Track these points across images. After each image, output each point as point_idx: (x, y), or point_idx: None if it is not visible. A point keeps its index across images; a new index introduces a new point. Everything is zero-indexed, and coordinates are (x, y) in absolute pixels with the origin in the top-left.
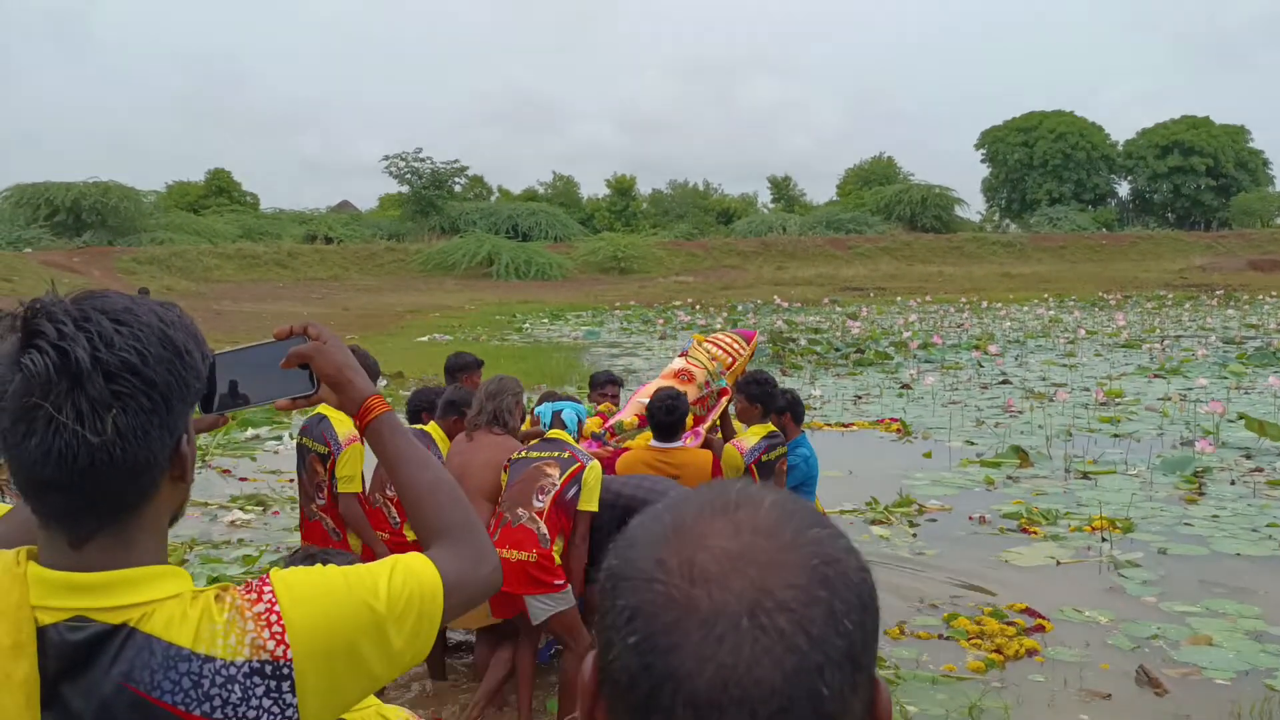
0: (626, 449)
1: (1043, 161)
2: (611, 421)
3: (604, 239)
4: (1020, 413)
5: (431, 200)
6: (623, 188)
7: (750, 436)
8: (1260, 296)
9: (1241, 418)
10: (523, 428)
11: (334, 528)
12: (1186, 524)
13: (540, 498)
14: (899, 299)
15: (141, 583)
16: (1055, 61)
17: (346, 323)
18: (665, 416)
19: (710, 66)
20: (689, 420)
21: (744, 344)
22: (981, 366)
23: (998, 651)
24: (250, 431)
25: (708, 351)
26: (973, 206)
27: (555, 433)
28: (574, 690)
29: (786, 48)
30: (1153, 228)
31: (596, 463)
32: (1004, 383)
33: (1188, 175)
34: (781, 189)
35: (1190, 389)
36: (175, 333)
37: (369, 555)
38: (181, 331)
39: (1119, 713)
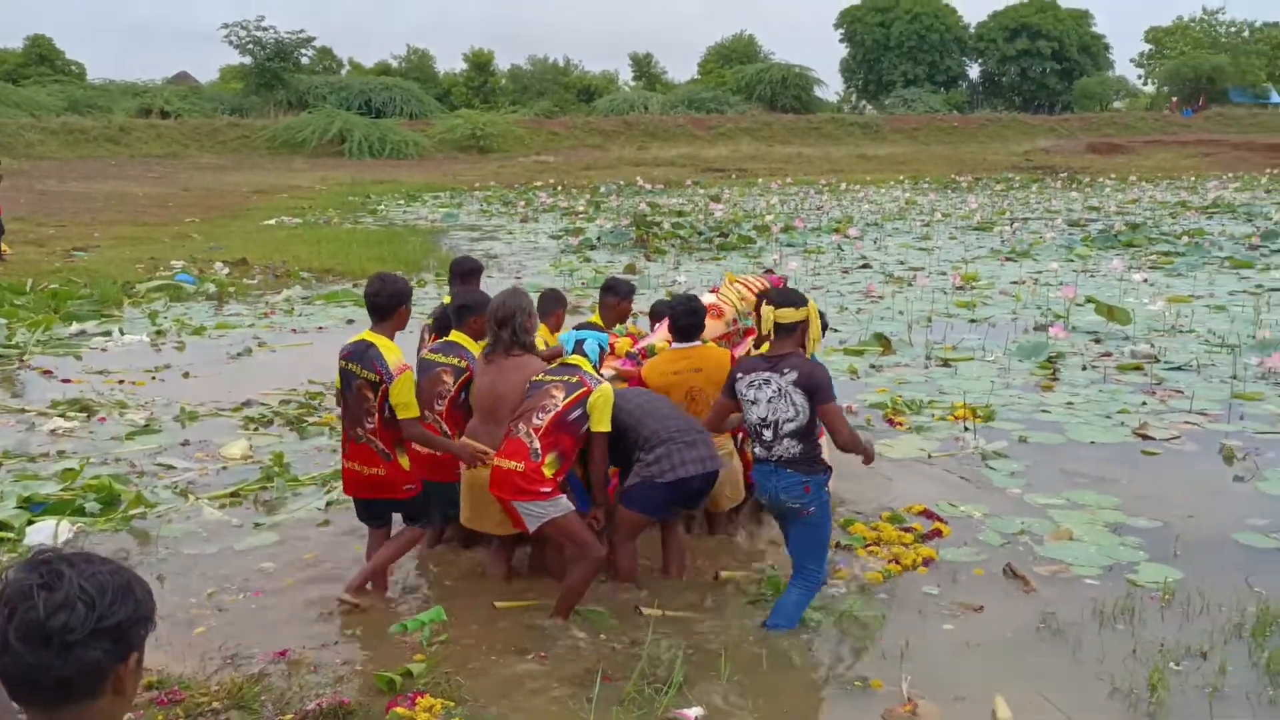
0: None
1: (899, 43)
2: (643, 344)
3: (462, 116)
4: (881, 298)
5: (277, 73)
6: (481, 63)
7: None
8: (1100, 179)
9: (1090, 302)
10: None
11: (384, 449)
12: (1044, 411)
13: (540, 415)
14: (760, 180)
15: None
16: None
17: (187, 204)
18: (688, 318)
19: None
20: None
21: (764, 288)
22: (842, 250)
23: (895, 561)
24: (75, 327)
25: (738, 291)
26: (831, 87)
27: (573, 358)
28: (577, 595)
29: None
30: (1000, 110)
31: (606, 386)
32: (864, 267)
33: (1034, 59)
34: (643, 67)
35: (1041, 272)
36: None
37: (423, 464)
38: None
39: (986, 622)
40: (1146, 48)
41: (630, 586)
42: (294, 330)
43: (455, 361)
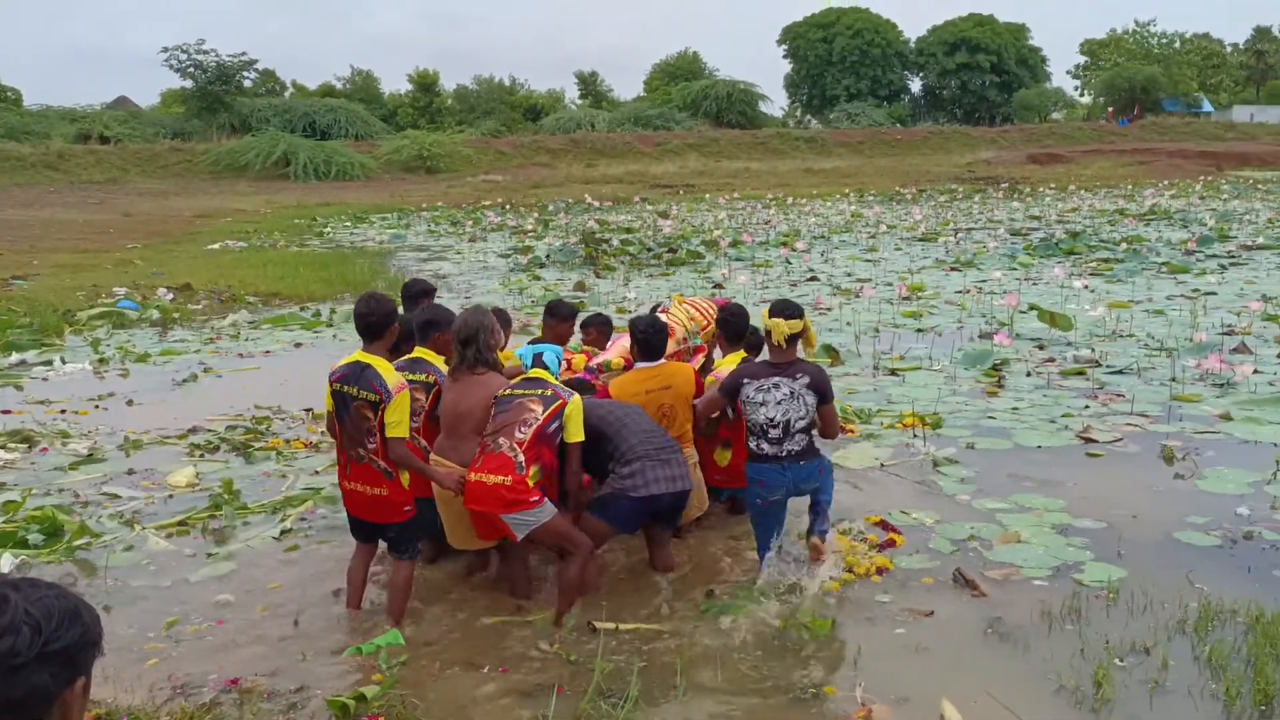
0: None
1: (841, 58)
2: (597, 360)
3: (408, 137)
4: (829, 309)
5: (219, 96)
6: (426, 83)
7: (727, 365)
8: (1040, 189)
9: (1033, 309)
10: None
11: (386, 468)
12: (990, 417)
13: (523, 429)
14: (708, 196)
15: None
16: None
17: (128, 230)
18: (654, 336)
19: None
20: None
21: (713, 311)
22: (790, 263)
23: (849, 570)
24: (15, 356)
25: (686, 312)
26: (776, 102)
27: (537, 372)
28: (575, 590)
29: None
30: (942, 123)
31: (577, 397)
32: (812, 279)
33: (974, 72)
34: (589, 85)
35: (985, 281)
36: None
37: (421, 482)
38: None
39: (936, 627)
40: (1082, 59)
41: (591, 597)
42: (240, 355)
43: (424, 378)
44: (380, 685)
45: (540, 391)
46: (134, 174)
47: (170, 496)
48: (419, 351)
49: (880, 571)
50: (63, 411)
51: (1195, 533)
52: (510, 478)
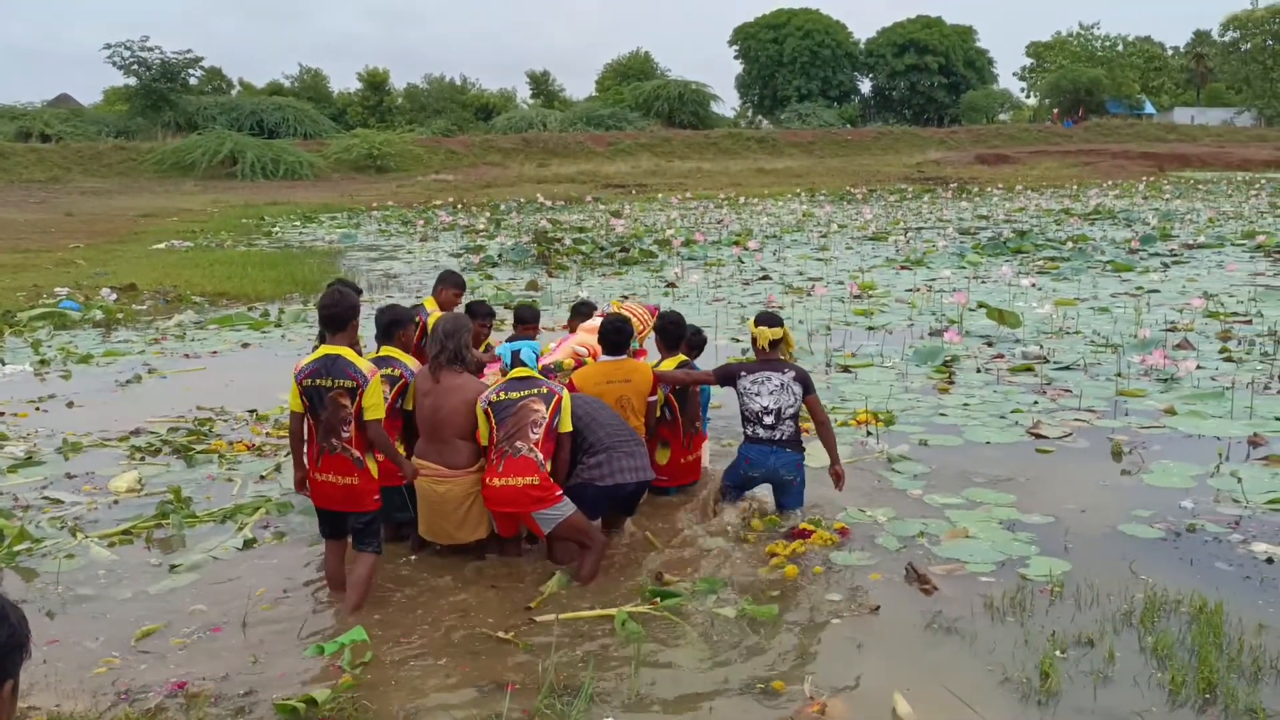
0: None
1: (792, 59)
2: (548, 360)
3: (358, 135)
4: (781, 308)
5: (163, 94)
6: (376, 82)
7: (668, 365)
8: (988, 189)
9: (982, 306)
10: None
11: (358, 456)
12: (942, 414)
13: (535, 430)
14: (660, 196)
15: None
16: None
17: (70, 230)
18: (617, 335)
19: None
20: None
21: (649, 316)
22: (742, 262)
23: (794, 560)
24: None
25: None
26: (728, 103)
27: (523, 371)
28: (592, 580)
29: None
30: (892, 124)
31: (565, 390)
32: (764, 278)
33: (922, 73)
34: (541, 84)
35: (935, 279)
36: None
37: (389, 468)
38: None
39: (883, 622)
40: (1028, 62)
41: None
42: (186, 355)
43: (390, 372)
44: (333, 690)
45: (537, 390)
46: (76, 173)
47: (115, 502)
48: (385, 349)
49: (827, 567)
50: (1, 414)
51: (1140, 526)
52: (537, 477)
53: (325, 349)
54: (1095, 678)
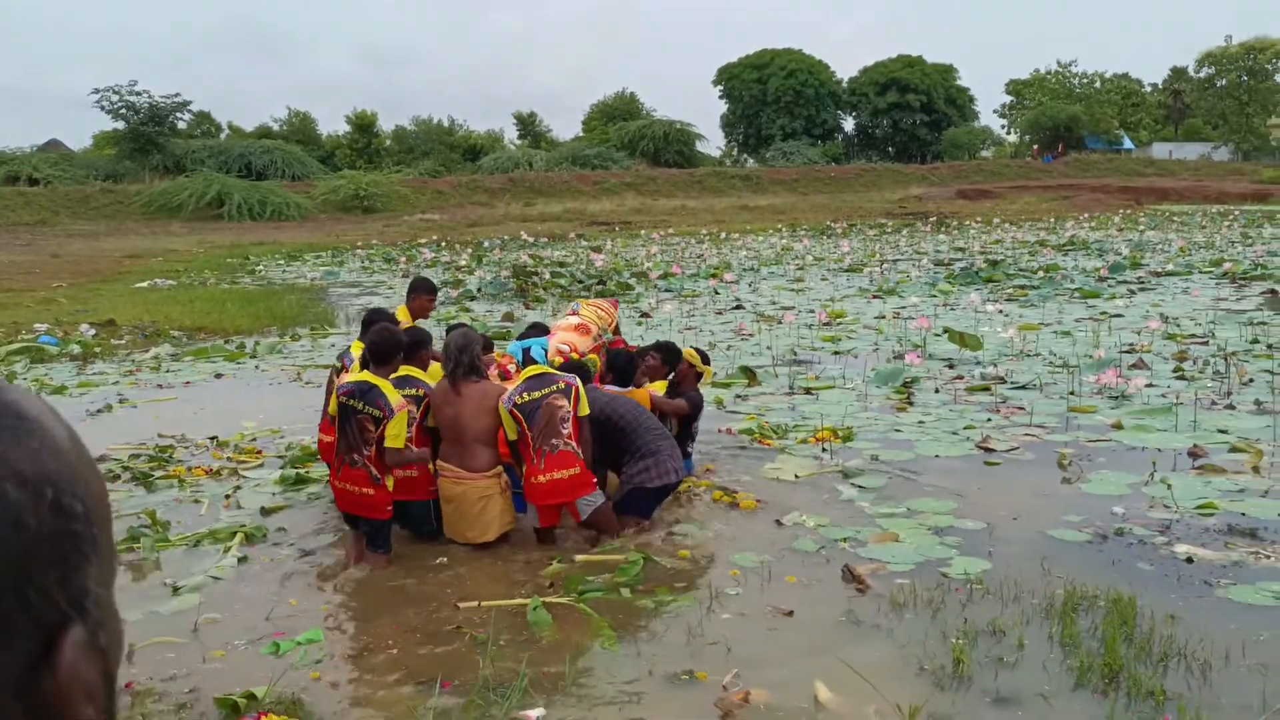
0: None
1: (776, 98)
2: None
3: (345, 177)
4: (751, 335)
5: (151, 138)
6: (364, 124)
7: (658, 388)
8: (967, 222)
9: (946, 331)
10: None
11: (376, 474)
12: (897, 430)
13: (565, 425)
14: (643, 232)
15: None
16: None
17: (55, 270)
18: (627, 366)
19: None
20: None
21: (612, 310)
22: (718, 293)
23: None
24: None
25: (594, 311)
26: (713, 142)
27: (537, 369)
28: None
29: None
30: (875, 161)
31: (577, 378)
32: (737, 308)
33: (905, 111)
34: (527, 125)
35: (904, 307)
36: None
37: (419, 481)
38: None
39: (804, 617)
40: (1008, 99)
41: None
42: (160, 385)
43: (415, 392)
44: (270, 686)
45: (556, 386)
46: (64, 216)
47: None
48: (404, 369)
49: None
50: None
51: (1069, 530)
52: (578, 467)
53: (366, 375)
54: (1004, 664)
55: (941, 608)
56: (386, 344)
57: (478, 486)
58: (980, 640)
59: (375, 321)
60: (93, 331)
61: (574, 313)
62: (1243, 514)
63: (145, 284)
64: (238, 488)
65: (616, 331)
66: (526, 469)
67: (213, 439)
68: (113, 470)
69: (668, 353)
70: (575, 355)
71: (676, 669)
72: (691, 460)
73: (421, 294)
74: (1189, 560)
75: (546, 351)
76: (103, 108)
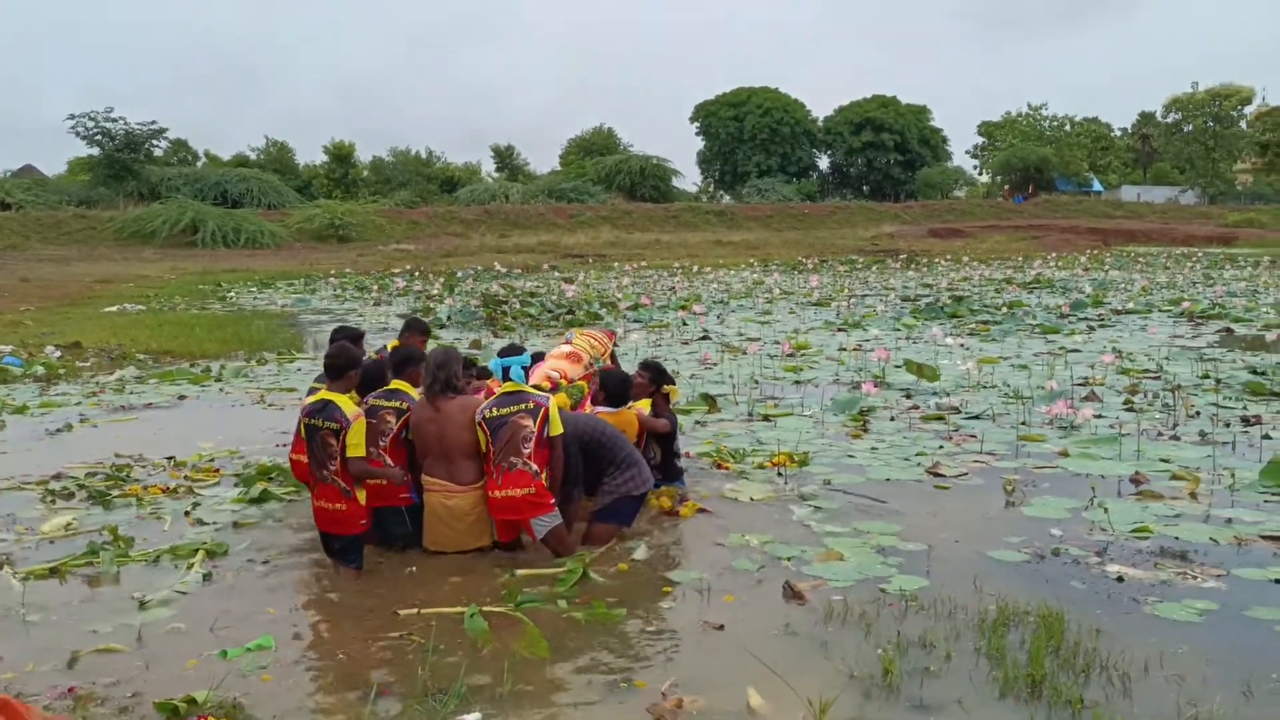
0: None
1: (752, 136)
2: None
3: (320, 206)
4: (715, 364)
5: (126, 164)
6: (341, 154)
7: (643, 406)
8: (937, 260)
9: (906, 363)
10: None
11: (345, 487)
12: (850, 456)
13: (527, 445)
14: (617, 265)
15: None
16: (763, 35)
17: (23, 294)
18: (620, 388)
19: (431, 31)
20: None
21: (607, 341)
22: (685, 324)
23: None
24: None
25: (587, 341)
26: (689, 177)
27: (511, 385)
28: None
29: (506, 14)
30: (849, 199)
31: (552, 397)
32: (704, 338)
33: (879, 150)
34: (505, 158)
35: (866, 339)
36: None
37: (388, 491)
38: None
39: (739, 628)
40: (980, 140)
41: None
42: (122, 407)
43: (397, 405)
44: (212, 690)
45: (524, 406)
46: (35, 240)
47: (52, 542)
48: (395, 383)
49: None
50: None
51: (1008, 551)
52: (533, 487)
53: (323, 393)
54: (931, 674)
55: (875, 621)
56: (340, 360)
57: (469, 499)
58: (910, 652)
59: (338, 338)
60: (58, 353)
61: (567, 341)
62: (1176, 537)
63: (114, 308)
64: (196, 504)
65: (612, 360)
66: (487, 482)
67: (170, 459)
68: (66, 488)
69: (655, 371)
70: (564, 382)
71: (615, 677)
72: (683, 478)
73: (414, 333)
74: (1120, 579)
75: (524, 368)
76: (78, 133)
